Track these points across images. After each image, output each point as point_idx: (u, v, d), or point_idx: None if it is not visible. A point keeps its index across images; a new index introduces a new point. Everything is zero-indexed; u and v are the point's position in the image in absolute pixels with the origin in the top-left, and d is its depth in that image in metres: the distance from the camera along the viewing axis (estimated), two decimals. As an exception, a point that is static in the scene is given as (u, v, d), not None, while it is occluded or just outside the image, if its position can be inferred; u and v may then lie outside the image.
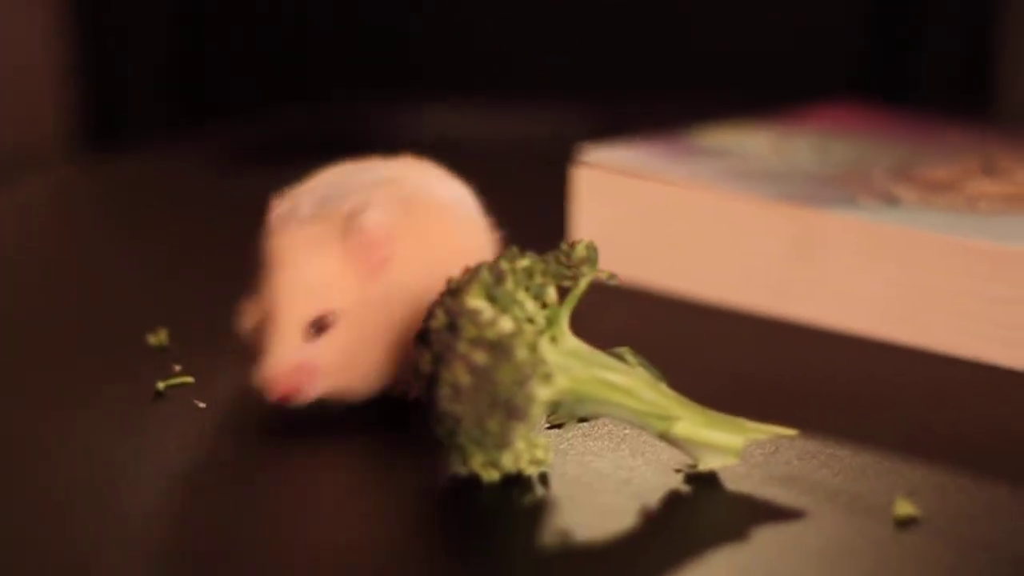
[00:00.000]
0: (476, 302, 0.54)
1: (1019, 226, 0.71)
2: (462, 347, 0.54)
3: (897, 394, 0.66)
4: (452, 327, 0.54)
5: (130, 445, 0.60)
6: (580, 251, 0.56)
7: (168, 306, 0.78)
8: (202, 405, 0.63)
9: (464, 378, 0.54)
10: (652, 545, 0.52)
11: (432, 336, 0.55)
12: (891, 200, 0.76)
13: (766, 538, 0.53)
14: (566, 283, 0.56)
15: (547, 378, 0.54)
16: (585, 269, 0.56)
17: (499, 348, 0.54)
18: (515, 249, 0.56)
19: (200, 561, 0.51)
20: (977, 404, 0.66)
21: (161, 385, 0.65)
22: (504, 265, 0.55)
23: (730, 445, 0.56)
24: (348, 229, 0.58)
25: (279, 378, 0.58)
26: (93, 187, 1.09)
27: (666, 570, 0.50)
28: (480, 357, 0.54)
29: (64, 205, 1.05)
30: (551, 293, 0.56)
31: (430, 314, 0.55)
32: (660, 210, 0.79)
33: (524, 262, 0.56)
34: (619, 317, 0.76)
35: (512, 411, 0.54)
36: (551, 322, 0.55)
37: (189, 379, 0.66)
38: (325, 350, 0.58)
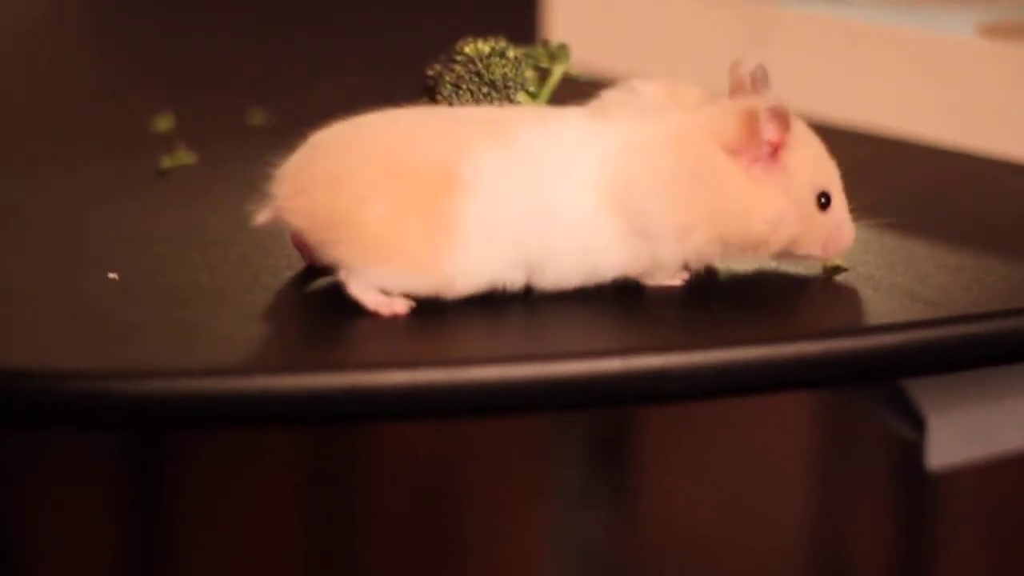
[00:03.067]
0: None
1: (951, 19, 0.80)
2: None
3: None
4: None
5: (133, 213, 0.66)
6: (554, 44, 0.65)
7: (175, 90, 0.84)
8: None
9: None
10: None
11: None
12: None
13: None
14: (543, 67, 0.64)
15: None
16: (561, 57, 0.64)
17: (495, 52, 0.62)
18: (502, 39, 0.64)
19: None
20: (905, 175, 0.75)
21: (167, 163, 0.70)
22: (491, 48, 0.64)
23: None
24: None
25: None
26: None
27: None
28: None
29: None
30: (532, 78, 0.64)
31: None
32: (630, 12, 0.88)
33: (510, 51, 0.64)
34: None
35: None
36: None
37: (189, 159, 0.70)
38: None
